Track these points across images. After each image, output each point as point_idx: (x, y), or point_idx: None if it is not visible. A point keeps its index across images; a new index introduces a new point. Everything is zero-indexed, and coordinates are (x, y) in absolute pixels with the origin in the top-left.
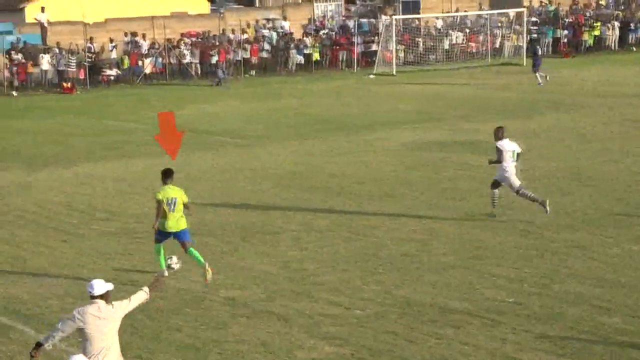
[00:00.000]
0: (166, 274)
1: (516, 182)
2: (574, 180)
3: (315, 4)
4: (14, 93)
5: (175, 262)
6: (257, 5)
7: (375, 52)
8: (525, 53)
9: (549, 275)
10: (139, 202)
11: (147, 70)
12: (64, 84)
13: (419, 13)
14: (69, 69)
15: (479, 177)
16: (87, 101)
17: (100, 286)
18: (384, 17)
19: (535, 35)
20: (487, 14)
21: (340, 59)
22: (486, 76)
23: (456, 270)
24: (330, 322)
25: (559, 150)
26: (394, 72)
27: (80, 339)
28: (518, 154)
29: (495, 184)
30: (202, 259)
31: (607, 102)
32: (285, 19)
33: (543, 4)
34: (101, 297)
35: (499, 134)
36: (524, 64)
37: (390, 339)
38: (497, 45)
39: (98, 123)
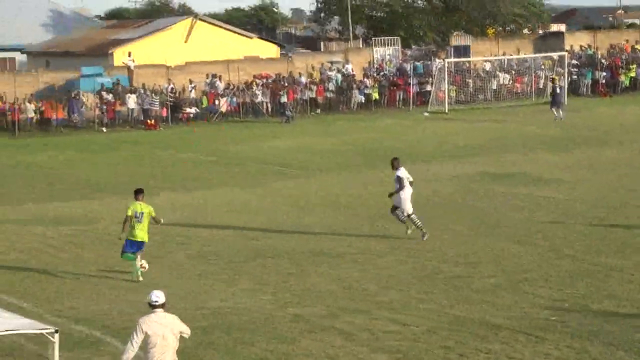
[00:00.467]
0: (141, 278)
1: (409, 208)
2: (610, 209)
3: (374, 49)
4: (104, 129)
5: (144, 265)
6: (322, 50)
7: (429, 92)
8: (566, 93)
9: (588, 296)
10: (210, 228)
11: (223, 109)
12: (148, 121)
13: (469, 57)
14: (152, 107)
15: (522, 205)
16: (169, 136)
17: (160, 296)
18: (437, 60)
19: (576, 77)
20: (531, 57)
21: (398, 98)
22: (530, 114)
23: (503, 290)
24: (389, 338)
25: (598, 180)
26: (446, 110)
27: (144, 345)
28: (411, 182)
29: (394, 208)
30: (136, 272)
31: None
32: (347, 62)
33: (583, 47)
34: (161, 306)
35: (395, 164)
36: (566, 103)
37: (443, 353)
38: (541, 86)
39: (178, 156)
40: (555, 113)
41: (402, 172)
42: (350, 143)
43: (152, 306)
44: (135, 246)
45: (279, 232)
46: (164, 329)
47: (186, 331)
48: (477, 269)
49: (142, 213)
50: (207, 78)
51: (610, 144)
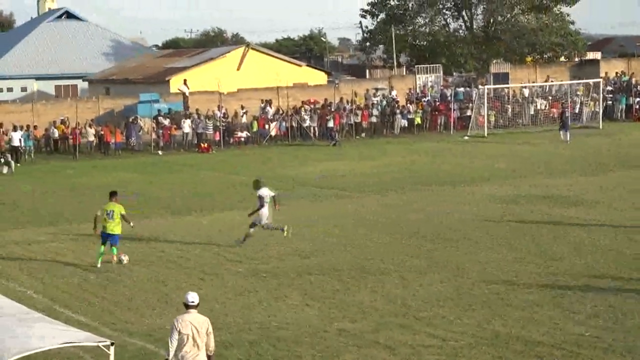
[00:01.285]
0: (99, 265)
1: (265, 221)
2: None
3: (417, 76)
4: (160, 152)
5: (125, 259)
6: (367, 77)
7: (470, 117)
8: (601, 118)
9: (623, 312)
10: (262, 247)
11: (273, 133)
12: (202, 145)
13: (507, 83)
14: (206, 132)
15: (558, 225)
16: (221, 159)
17: (195, 297)
18: (479, 87)
19: (610, 102)
20: (567, 84)
21: (439, 122)
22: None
23: (540, 307)
24: (429, 352)
25: (631, 199)
26: (486, 134)
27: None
28: (273, 197)
29: (253, 225)
30: (115, 252)
31: None
32: (391, 88)
33: (618, 74)
34: (195, 306)
35: (257, 184)
36: (600, 127)
37: None
38: (577, 111)
39: (229, 178)
40: (562, 137)
41: (263, 192)
42: (394, 165)
43: (187, 306)
44: (108, 238)
45: (326, 249)
46: (197, 329)
47: (212, 342)
48: (514, 286)
49: (112, 211)
50: (261, 103)
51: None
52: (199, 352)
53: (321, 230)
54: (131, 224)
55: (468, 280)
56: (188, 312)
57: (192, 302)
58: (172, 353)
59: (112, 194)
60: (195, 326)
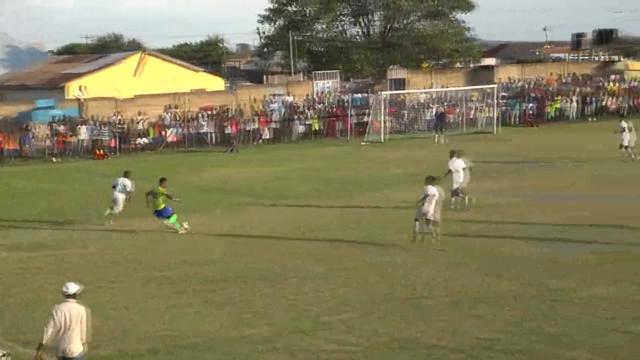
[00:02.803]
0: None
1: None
2: (553, 232)
3: (315, 82)
4: (54, 159)
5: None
6: (265, 83)
7: (367, 122)
8: (496, 123)
9: (521, 315)
10: (163, 254)
11: (169, 139)
12: (97, 151)
13: (404, 89)
14: (102, 138)
15: (465, 227)
16: (117, 166)
17: (73, 287)
18: (376, 92)
19: (505, 108)
20: (463, 90)
21: (337, 128)
22: (462, 143)
23: (441, 312)
24: (328, 357)
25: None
26: (382, 140)
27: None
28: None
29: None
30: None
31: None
32: (289, 94)
33: (512, 80)
34: (72, 296)
35: (162, 183)
36: (495, 133)
37: None
38: (472, 117)
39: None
40: (437, 139)
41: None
42: (293, 171)
43: (66, 296)
44: (157, 213)
45: (228, 258)
46: (72, 318)
47: (88, 334)
48: (417, 291)
49: (155, 192)
50: (165, 112)
51: (533, 170)
52: (74, 339)
53: (222, 236)
54: (175, 198)
55: (370, 286)
56: (67, 301)
57: (69, 292)
58: (45, 338)
59: (162, 180)
60: (72, 315)
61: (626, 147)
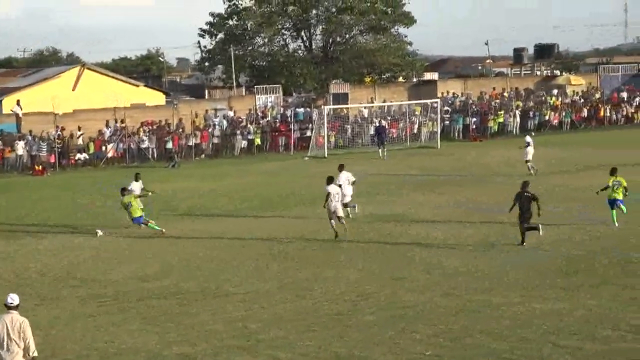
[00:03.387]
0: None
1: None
2: (494, 248)
3: (257, 96)
4: None
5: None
6: (206, 97)
7: (310, 137)
8: (439, 138)
9: (461, 331)
10: (103, 270)
11: (110, 154)
12: (36, 167)
13: (347, 103)
14: (40, 154)
15: (401, 244)
16: (56, 182)
17: (14, 298)
18: (321, 107)
19: (448, 122)
20: (406, 104)
21: (280, 143)
22: (404, 158)
23: (381, 327)
24: None
25: (473, 218)
26: (326, 155)
27: None
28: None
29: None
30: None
31: (508, 179)
32: (231, 109)
33: (455, 94)
34: (14, 307)
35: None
36: (439, 147)
37: None
38: (415, 131)
39: (67, 201)
40: (381, 153)
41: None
42: (234, 186)
43: (7, 307)
44: (136, 220)
45: (168, 273)
46: (10, 328)
47: (32, 345)
48: (357, 307)
49: (126, 204)
50: (106, 127)
51: (472, 184)
52: (15, 352)
53: (162, 252)
54: (149, 192)
55: (311, 301)
56: (8, 312)
57: (11, 303)
58: None
59: (122, 190)
60: (9, 326)
61: (527, 162)
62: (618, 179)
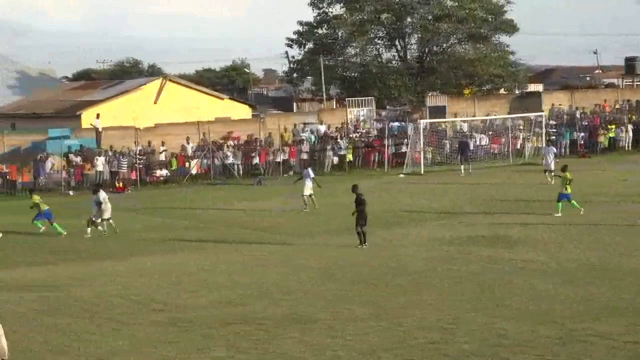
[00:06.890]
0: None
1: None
2: (596, 271)
3: (348, 109)
4: (71, 192)
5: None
6: (295, 110)
7: (404, 153)
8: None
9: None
10: (186, 295)
11: (194, 171)
12: (117, 184)
13: (445, 117)
14: (120, 170)
15: (501, 269)
16: (138, 200)
17: None
18: (418, 121)
19: (554, 137)
20: (509, 118)
21: (373, 159)
22: (508, 175)
23: (478, 357)
24: None
25: (582, 240)
26: (422, 172)
27: None
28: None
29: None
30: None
31: (619, 199)
32: (321, 122)
33: (561, 106)
34: None
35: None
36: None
37: None
38: (519, 147)
39: (148, 220)
40: (463, 170)
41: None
42: (324, 205)
43: None
44: (47, 214)
45: (254, 298)
46: None
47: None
48: (452, 335)
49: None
50: (186, 142)
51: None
52: None
53: (248, 276)
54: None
55: (404, 329)
56: None
57: None
58: None
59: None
60: None
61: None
62: None
